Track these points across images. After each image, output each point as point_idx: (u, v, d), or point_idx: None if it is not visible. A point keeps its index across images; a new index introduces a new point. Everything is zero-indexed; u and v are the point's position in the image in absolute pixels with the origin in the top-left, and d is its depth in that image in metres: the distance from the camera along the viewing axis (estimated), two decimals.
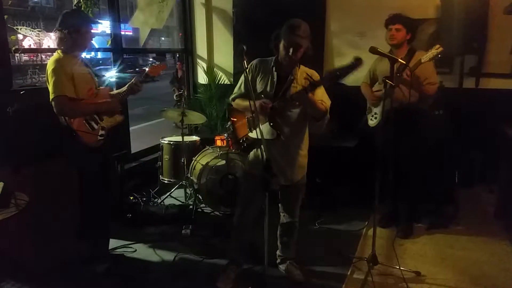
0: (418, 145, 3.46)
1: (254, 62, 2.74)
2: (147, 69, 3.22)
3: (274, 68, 2.65)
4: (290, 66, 2.62)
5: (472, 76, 4.40)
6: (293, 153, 2.73)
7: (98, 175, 2.91)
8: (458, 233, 3.61)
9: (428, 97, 3.35)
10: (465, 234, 3.59)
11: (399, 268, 2.93)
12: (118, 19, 4.41)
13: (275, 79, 2.64)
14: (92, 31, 2.84)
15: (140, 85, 3.04)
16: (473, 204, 4.18)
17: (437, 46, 3.06)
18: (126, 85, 3.07)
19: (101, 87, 2.99)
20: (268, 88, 2.65)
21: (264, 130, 2.57)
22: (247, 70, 2.65)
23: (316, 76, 2.63)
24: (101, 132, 2.86)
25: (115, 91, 3.15)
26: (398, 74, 3.14)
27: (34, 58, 14.73)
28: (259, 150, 2.69)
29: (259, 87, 2.69)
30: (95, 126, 2.82)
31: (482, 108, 4.18)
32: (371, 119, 3.64)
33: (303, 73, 2.64)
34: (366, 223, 3.78)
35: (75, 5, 3.51)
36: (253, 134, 2.72)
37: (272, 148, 2.61)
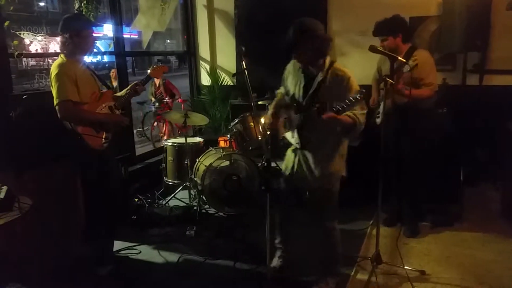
0: (422, 143, 3.44)
1: (288, 65, 2.71)
2: (148, 71, 3.25)
3: (301, 70, 2.60)
4: (314, 67, 2.51)
5: (476, 73, 4.36)
6: (319, 161, 2.61)
7: (103, 178, 2.93)
8: (464, 232, 3.58)
9: (425, 99, 3.27)
10: (471, 232, 3.56)
11: (403, 267, 2.91)
12: (120, 23, 4.43)
13: (303, 82, 2.58)
14: (94, 34, 2.86)
15: (142, 86, 3.07)
16: (479, 202, 4.14)
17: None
18: (129, 86, 3.09)
19: (104, 90, 3.01)
20: (297, 91, 2.62)
21: (292, 136, 2.63)
22: (245, 71, 2.67)
23: (347, 75, 2.44)
24: (106, 135, 2.87)
25: (118, 93, 3.18)
26: (397, 75, 3.14)
27: (41, 63, 14.91)
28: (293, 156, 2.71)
29: (291, 90, 2.68)
30: (99, 129, 2.83)
31: (486, 105, 4.15)
32: (377, 117, 3.63)
33: (333, 71, 2.48)
34: (371, 222, 3.76)
35: (76, 9, 3.54)
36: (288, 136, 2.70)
37: (301, 155, 2.65)
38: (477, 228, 3.61)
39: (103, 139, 2.84)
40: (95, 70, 3.02)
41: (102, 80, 3.05)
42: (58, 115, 2.66)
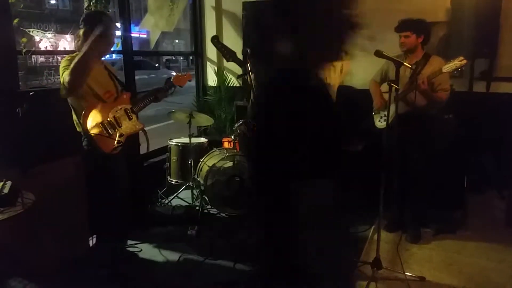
0: (427, 149, 3.43)
1: None
2: (172, 78, 3.23)
3: None
4: None
5: (483, 80, 4.33)
6: None
7: (112, 181, 2.88)
8: (466, 239, 3.56)
9: (440, 103, 3.35)
10: (473, 240, 3.54)
11: (404, 273, 2.90)
12: (129, 22, 4.45)
13: None
14: (113, 35, 2.76)
15: (165, 93, 3.06)
16: (483, 209, 4.11)
17: (461, 58, 3.04)
18: (150, 92, 3.06)
19: (123, 93, 2.93)
20: None
21: None
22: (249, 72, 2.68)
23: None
24: (118, 139, 2.76)
25: (138, 97, 3.11)
26: (412, 80, 3.16)
27: (50, 60, 15.02)
28: None
29: None
30: (112, 132, 2.74)
31: (492, 112, 4.12)
32: (379, 121, 3.61)
33: None
34: (373, 227, 3.75)
35: (86, 8, 3.55)
36: None
37: None
38: (480, 236, 3.58)
39: (115, 142, 2.74)
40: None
41: (122, 83, 2.99)
42: (67, 87, 2.48)
